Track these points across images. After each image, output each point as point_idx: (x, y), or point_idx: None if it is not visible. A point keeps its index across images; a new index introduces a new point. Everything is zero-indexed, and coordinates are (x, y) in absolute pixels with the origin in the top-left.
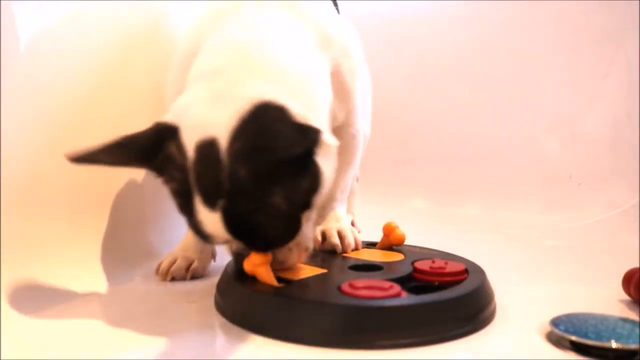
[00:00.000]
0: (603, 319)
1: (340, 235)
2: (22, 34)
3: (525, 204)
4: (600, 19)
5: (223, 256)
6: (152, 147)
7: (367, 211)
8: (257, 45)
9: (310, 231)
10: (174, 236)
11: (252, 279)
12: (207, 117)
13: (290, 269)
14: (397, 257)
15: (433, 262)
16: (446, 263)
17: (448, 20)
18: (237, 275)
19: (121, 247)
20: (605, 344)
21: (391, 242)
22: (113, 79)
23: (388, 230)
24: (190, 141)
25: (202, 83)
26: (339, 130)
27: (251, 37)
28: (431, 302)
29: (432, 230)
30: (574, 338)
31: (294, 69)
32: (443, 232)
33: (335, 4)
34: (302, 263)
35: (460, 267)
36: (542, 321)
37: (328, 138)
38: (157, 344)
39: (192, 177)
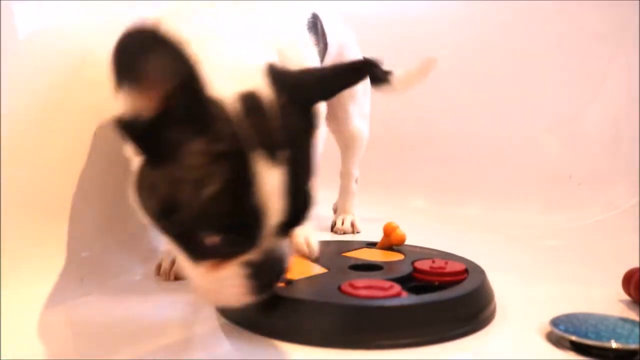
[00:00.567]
0: (603, 319)
1: (306, 242)
2: (22, 33)
3: (525, 204)
4: (600, 19)
5: None
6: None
7: (367, 211)
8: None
9: None
10: None
11: None
12: (236, 72)
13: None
14: (397, 257)
15: (433, 262)
16: (446, 263)
17: (448, 20)
18: None
19: (121, 246)
20: (605, 344)
21: (391, 242)
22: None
23: (388, 230)
24: (227, 96)
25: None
26: None
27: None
28: (431, 302)
29: (432, 230)
30: (574, 338)
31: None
32: (443, 232)
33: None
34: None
35: (460, 267)
36: (542, 321)
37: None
38: (157, 344)
39: (244, 131)
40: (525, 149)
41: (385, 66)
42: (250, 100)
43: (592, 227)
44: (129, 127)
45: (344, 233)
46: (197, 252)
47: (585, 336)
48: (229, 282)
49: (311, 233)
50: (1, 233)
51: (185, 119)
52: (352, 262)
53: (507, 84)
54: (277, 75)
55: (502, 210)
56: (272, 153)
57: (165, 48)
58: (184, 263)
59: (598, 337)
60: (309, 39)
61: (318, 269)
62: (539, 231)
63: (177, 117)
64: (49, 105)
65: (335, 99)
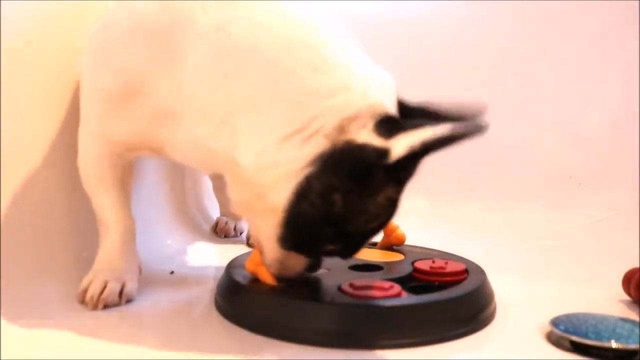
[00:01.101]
0: (603, 319)
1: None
2: (22, 33)
3: (525, 204)
4: (600, 19)
5: (223, 256)
6: None
7: None
8: None
9: None
10: (171, 235)
11: (253, 279)
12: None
13: (294, 276)
14: (397, 257)
15: (433, 262)
16: (446, 263)
17: (448, 20)
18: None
19: None
20: (605, 344)
21: (391, 242)
22: None
23: (388, 230)
24: None
25: None
26: None
27: None
28: (431, 302)
29: (432, 230)
30: (574, 338)
31: None
32: (443, 232)
33: None
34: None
35: (460, 267)
36: (542, 321)
37: None
38: (156, 344)
39: None
40: (525, 149)
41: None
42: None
43: (592, 227)
44: (363, 160)
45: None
46: (304, 248)
47: (585, 336)
48: (295, 263)
49: None
50: (1, 233)
51: (397, 168)
52: (352, 262)
53: (507, 84)
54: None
55: (502, 210)
56: None
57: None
58: (270, 243)
59: (598, 337)
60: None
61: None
62: (539, 231)
63: (395, 165)
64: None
65: None
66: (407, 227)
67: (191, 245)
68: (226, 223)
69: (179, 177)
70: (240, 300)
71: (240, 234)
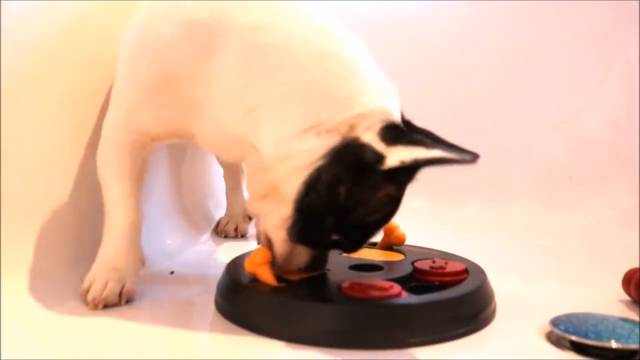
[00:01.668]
0: (603, 319)
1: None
2: (22, 33)
3: (525, 204)
4: (600, 19)
5: (223, 256)
6: None
7: None
8: None
9: None
10: (171, 235)
11: (253, 279)
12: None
13: (294, 271)
14: (397, 257)
15: (433, 262)
16: (446, 263)
17: (448, 20)
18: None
19: None
20: (605, 344)
21: (391, 242)
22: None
23: (388, 230)
24: None
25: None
26: None
27: None
28: (432, 302)
29: (432, 230)
30: (574, 338)
31: None
32: (443, 232)
33: None
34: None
35: (460, 267)
36: (542, 321)
37: None
38: (156, 344)
39: None
40: (525, 149)
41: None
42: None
43: (592, 227)
44: (363, 158)
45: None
46: (310, 238)
47: (585, 336)
48: (299, 257)
49: None
50: (1, 233)
51: (397, 173)
52: (353, 262)
53: (507, 84)
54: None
55: (502, 210)
56: None
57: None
58: (277, 234)
59: (598, 337)
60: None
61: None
62: (539, 231)
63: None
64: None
65: None
66: (407, 227)
67: (191, 245)
68: (227, 223)
69: (180, 177)
70: (240, 300)
71: (242, 235)
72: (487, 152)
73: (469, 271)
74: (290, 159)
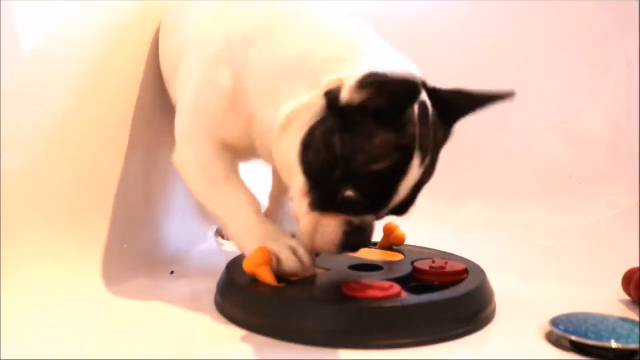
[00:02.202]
0: (603, 319)
1: (297, 256)
2: (22, 33)
3: (525, 204)
4: (600, 19)
5: (222, 256)
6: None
7: None
8: None
9: None
10: (172, 235)
11: (253, 279)
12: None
13: (332, 252)
14: (397, 257)
15: (433, 262)
16: (446, 263)
17: (448, 20)
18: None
19: (120, 246)
20: (605, 344)
21: (391, 242)
22: (109, 76)
23: (388, 230)
24: None
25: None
26: None
27: None
28: (431, 302)
29: (432, 230)
30: (574, 338)
31: None
32: (443, 232)
33: None
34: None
35: (460, 267)
36: (542, 321)
37: None
38: (157, 344)
39: (417, 133)
40: (525, 149)
41: None
42: (423, 109)
43: (592, 227)
44: (334, 101)
45: None
46: (327, 200)
47: (585, 336)
48: (331, 231)
49: (297, 244)
50: (1, 233)
51: (387, 115)
52: (352, 262)
53: (507, 84)
54: (430, 91)
55: (502, 210)
56: (424, 156)
57: (403, 82)
58: (300, 207)
59: (598, 337)
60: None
61: (318, 269)
62: (539, 231)
63: (380, 112)
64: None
65: None
66: (407, 227)
67: (192, 246)
68: None
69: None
70: (240, 301)
71: None
72: (487, 152)
73: (469, 271)
74: (289, 124)
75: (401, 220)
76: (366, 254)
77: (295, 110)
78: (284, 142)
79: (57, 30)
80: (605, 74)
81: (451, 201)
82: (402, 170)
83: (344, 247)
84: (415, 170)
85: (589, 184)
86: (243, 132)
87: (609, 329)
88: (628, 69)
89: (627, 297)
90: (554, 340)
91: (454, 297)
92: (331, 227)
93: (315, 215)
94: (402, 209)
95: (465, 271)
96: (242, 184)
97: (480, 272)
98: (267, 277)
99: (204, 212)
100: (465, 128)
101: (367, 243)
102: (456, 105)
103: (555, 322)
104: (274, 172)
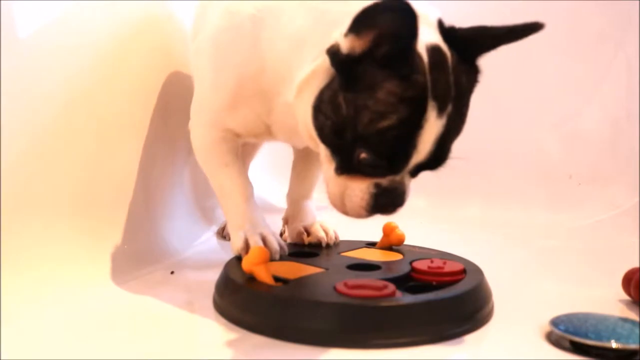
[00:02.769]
0: (603, 319)
1: (323, 229)
2: (21, 32)
3: (525, 204)
4: (600, 19)
5: (222, 256)
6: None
7: None
8: None
9: None
10: (172, 236)
11: (250, 279)
12: (422, 27)
13: (363, 215)
14: (396, 256)
15: (431, 262)
16: (445, 263)
17: (448, 20)
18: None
19: (121, 246)
20: (605, 344)
21: (391, 241)
22: (112, 76)
23: (388, 230)
24: (420, 47)
25: None
26: None
27: None
28: (425, 301)
29: (432, 230)
30: (574, 338)
31: None
32: (443, 232)
33: None
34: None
35: (458, 267)
36: (542, 321)
37: None
38: (157, 344)
39: (429, 80)
40: (525, 149)
41: None
42: (435, 54)
43: (592, 227)
44: (336, 56)
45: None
46: (348, 164)
47: (585, 336)
48: (357, 194)
49: (323, 221)
50: (1, 233)
51: (389, 62)
52: (351, 262)
53: (507, 84)
54: (446, 31)
55: (502, 210)
56: (441, 106)
57: (395, 6)
58: (328, 172)
59: (598, 337)
60: None
61: (316, 269)
62: (539, 231)
63: (382, 58)
64: (49, 104)
65: None
66: (406, 227)
67: (192, 246)
68: None
69: (182, 177)
70: (237, 300)
71: None
72: (486, 152)
73: (467, 271)
74: (300, 93)
75: (400, 220)
76: (365, 254)
77: (304, 79)
78: (299, 111)
79: (61, 26)
80: (604, 74)
81: (451, 201)
82: (415, 124)
83: (372, 210)
84: (433, 122)
85: (589, 184)
86: (256, 117)
87: (609, 329)
88: (628, 69)
89: (627, 297)
90: (554, 340)
91: (449, 297)
92: (358, 190)
93: (342, 179)
94: (433, 164)
95: (463, 271)
96: (238, 171)
97: (478, 272)
98: (264, 276)
99: (204, 213)
100: (465, 128)
101: (398, 204)
102: (476, 41)
103: (555, 322)
104: (293, 169)
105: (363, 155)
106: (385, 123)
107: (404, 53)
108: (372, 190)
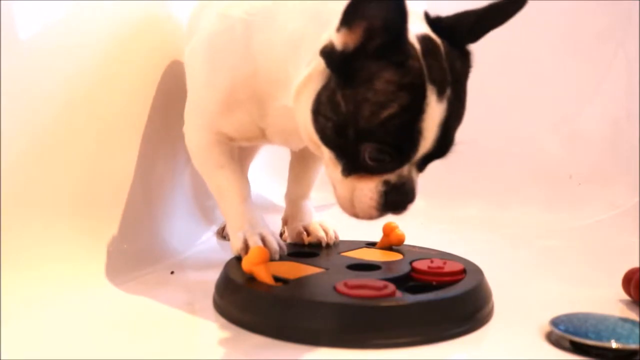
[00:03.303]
0: (603, 319)
1: (323, 229)
2: (21, 32)
3: (525, 204)
4: (600, 19)
5: (222, 256)
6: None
7: None
8: None
9: None
10: (172, 235)
11: (250, 279)
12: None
13: (375, 215)
14: (396, 256)
15: (431, 262)
16: (445, 263)
17: None
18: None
19: (120, 246)
20: (605, 344)
21: (391, 241)
22: (112, 76)
23: (388, 230)
24: (411, 37)
25: None
26: None
27: None
28: (425, 301)
29: (432, 230)
30: (574, 338)
31: None
32: (443, 232)
33: None
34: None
35: (458, 267)
36: (542, 321)
37: None
38: (157, 344)
39: (425, 66)
40: (525, 149)
41: None
42: (427, 42)
43: (592, 227)
44: (330, 55)
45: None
46: (353, 164)
47: (585, 336)
48: (366, 194)
49: (323, 220)
50: (1, 233)
51: (384, 52)
52: (351, 262)
53: (507, 84)
54: (432, 21)
55: (502, 210)
56: (440, 89)
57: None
58: (333, 175)
59: (598, 337)
60: None
61: (316, 269)
62: (539, 231)
63: (376, 50)
64: (50, 104)
65: None
66: (406, 227)
67: (191, 246)
68: None
69: (182, 177)
70: (237, 300)
71: None
72: (486, 152)
73: (467, 271)
74: (298, 97)
75: (400, 220)
76: (365, 254)
77: (301, 83)
78: (300, 116)
79: (61, 26)
80: (605, 74)
81: (451, 201)
82: (417, 109)
83: (383, 209)
84: (434, 106)
85: (589, 184)
86: (250, 120)
87: (609, 329)
88: (628, 69)
89: (627, 297)
90: (554, 340)
91: (448, 297)
92: (367, 190)
93: (349, 181)
94: (440, 151)
95: (463, 271)
96: (235, 172)
97: (478, 272)
98: (263, 276)
99: (204, 213)
100: (465, 128)
101: (409, 200)
102: (463, 26)
103: (555, 322)
104: (290, 169)
105: (369, 149)
106: (387, 112)
107: (397, 41)
108: (381, 188)
